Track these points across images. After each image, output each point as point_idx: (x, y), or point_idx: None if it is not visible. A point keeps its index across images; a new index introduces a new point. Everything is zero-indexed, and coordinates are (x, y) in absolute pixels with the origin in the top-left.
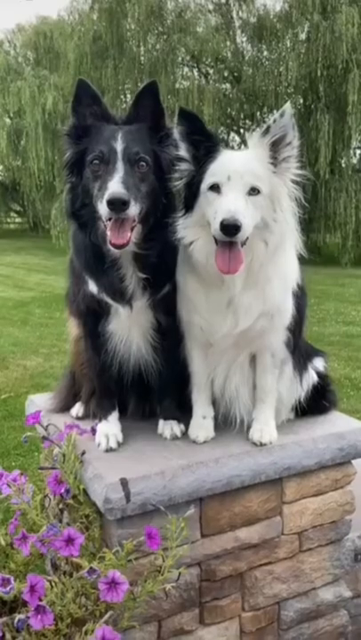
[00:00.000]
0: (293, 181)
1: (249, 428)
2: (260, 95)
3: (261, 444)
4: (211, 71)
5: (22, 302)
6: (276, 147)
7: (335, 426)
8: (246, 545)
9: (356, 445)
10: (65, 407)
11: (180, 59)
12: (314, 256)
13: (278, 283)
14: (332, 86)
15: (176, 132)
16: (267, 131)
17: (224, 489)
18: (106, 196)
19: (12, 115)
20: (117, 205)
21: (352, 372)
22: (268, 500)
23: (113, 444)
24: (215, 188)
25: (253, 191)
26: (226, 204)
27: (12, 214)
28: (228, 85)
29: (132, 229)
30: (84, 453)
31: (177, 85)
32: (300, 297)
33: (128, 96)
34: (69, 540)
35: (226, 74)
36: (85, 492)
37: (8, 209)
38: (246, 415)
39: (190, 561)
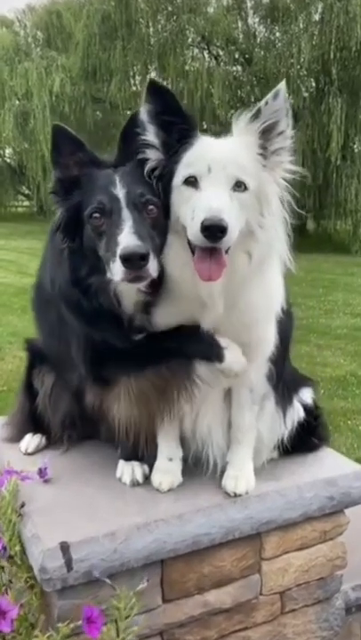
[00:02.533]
0: (285, 180)
1: (223, 472)
2: (271, 78)
3: (236, 495)
4: (221, 53)
5: (24, 289)
6: (266, 135)
7: (325, 468)
8: (217, 610)
9: (350, 493)
10: (20, 436)
11: (189, 40)
12: (326, 244)
13: (260, 307)
14: (346, 69)
15: (143, 111)
16: (257, 115)
17: (190, 549)
18: (119, 252)
19: (19, 97)
20: (135, 261)
21: (359, 368)
22: (245, 558)
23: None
24: (192, 181)
25: (239, 187)
26: (207, 199)
27: (20, 197)
28: (238, 68)
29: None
30: (22, 506)
31: (186, 67)
32: (286, 322)
33: (137, 78)
34: (0, 613)
35: (237, 56)
36: (25, 551)
37: (16, 192)
38: (220, 458)
39: (149, 631)
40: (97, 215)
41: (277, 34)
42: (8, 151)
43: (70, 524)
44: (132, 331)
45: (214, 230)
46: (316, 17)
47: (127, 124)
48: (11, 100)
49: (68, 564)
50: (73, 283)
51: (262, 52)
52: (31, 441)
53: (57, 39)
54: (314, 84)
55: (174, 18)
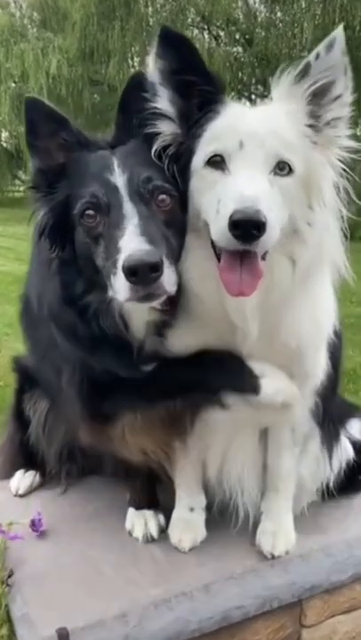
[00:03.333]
0: (342, 162)
1: (256, 524)
2: (273, 59)
3: (274, 557)
4: (222, 33)
5: (22, 278)
6: (317, 101)
7: None
8: None
9: None
10: (10, 472)
11: (189, 20)
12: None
13: (308, 331)
14: (350, 49)
15: (153, 70)
16: (304, 72)
17: (218, 626)
18: (121, 262)
19: (16, 79)
20: (143, 274)
21: None
22: (282, 628)
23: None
24: (217, 162)
25: (281, 169)
26: (238, 185)
27: (18, 182)
28: (239, 49)
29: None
30: (10, 575)
31: None
32: (337, 347)
33: (136, 59)
34: None
35: (237, 36)
36: (14, 632)
37: (13, 177)
38: (252, 507)
39: None
40: (90, 212)
41: (279, 14)
42: (4, 135)
43: (70, 601)
44: (141, 359)
45: (248, 227)
46: None
47: (127, 89)
48: (7, 83)
49: None
50: (65, 302)
51: (263, 33)
52: (22, 480)
53: (53, 20)
54: None
55: None
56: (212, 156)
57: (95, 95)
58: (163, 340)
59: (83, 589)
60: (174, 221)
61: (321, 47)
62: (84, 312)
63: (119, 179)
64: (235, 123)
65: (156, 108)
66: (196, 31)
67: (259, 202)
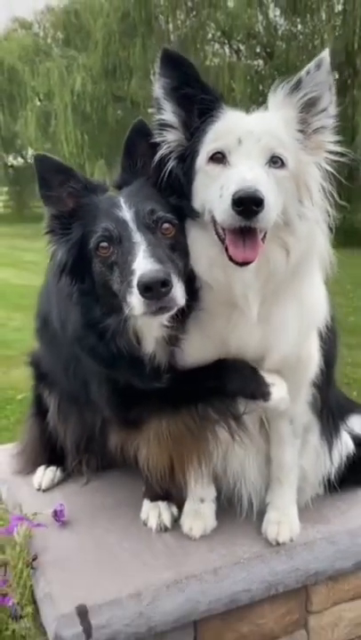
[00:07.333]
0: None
1: (262, 514)
2: (293, 71)
3: (278, 544)
4: (242, 47)
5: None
6: (307, 111)
7: None
8: None
9: None
10: (33, 467)
11: (210, 35)
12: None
13: (299, 319)
14: None
15: (157, 87)
16: (297, 86)
17: (226, 608)
18: (136, 281)
19: (41, 97)
20: (156, 289)
21: None
22: (289, 612)
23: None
24: (218, 158)
25: (275, 163)
26: (239, 172)
27: None
28: (260, 62)
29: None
30: (35, 559)
31: (207, 63)
32: (330, 340)
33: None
34: None
35: (258, 50)
36: (38, 610)
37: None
38: (255, 496)
39: None
40: (104, 245)
41: (299, 26)
42: (30, 152)
43: (89, 582)
44: (156, 371)
45: (248, 203)
46: (339, 7)
47: (131, 135)
48: (33, 101)
49: (87, 631)
50: (87, 326)
51: (284, 46)
52: (45, 475)
53: (76, 38)
54: (338, 76)
55: (194, 13)
56: (215, 153)
57: (119, 111)
58: (174, 350)
59: (100, 571)
60: (178, 246)
61: (311, 65)
62: (103, 334)
63: (127, 213)
64: (234, 124)
65: (161, 119)
66: (217, 46)
67: (258, 183)
